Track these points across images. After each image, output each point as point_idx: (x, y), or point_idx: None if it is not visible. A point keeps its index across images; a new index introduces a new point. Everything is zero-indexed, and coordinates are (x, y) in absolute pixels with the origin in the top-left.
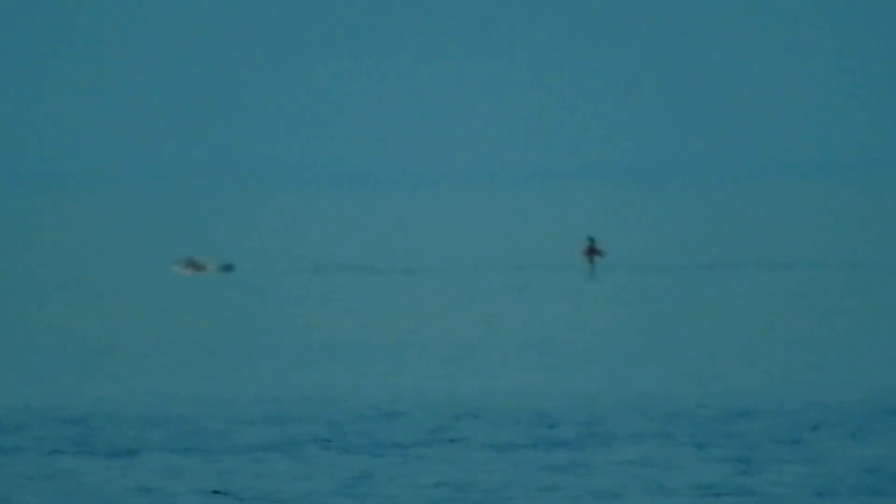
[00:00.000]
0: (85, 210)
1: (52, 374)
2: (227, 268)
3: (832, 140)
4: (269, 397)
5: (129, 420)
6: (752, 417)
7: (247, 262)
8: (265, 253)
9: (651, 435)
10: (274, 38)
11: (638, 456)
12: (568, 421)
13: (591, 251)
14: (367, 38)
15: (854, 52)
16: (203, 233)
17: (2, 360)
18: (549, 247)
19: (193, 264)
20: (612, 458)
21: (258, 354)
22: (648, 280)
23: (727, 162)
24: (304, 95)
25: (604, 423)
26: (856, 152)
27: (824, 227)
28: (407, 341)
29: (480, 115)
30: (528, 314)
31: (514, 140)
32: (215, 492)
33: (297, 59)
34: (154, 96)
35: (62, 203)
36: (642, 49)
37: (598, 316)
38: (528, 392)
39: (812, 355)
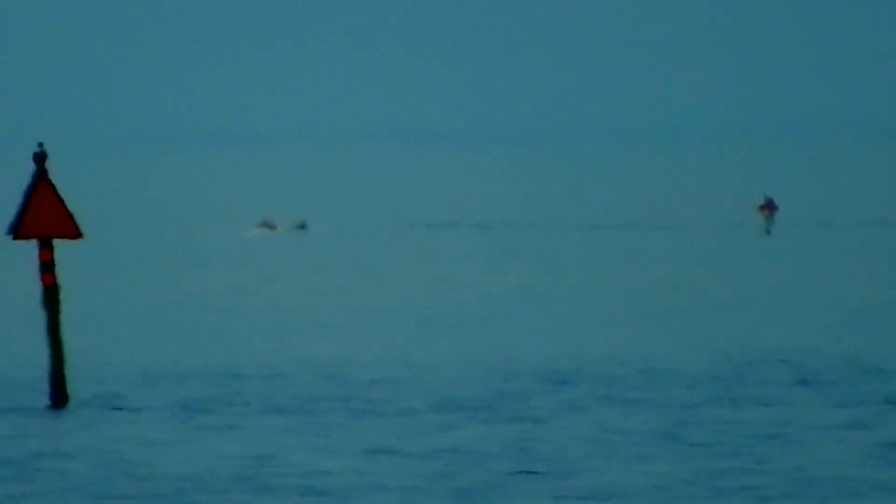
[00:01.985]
0: (156, 171)
1: (156, 336)
2: (301, 227)
3: None
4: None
5: (225, 379)
6: None
7: (320, 220)
8: (338, 211)
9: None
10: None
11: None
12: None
13: (768, 207)
14: None
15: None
16: (275, 193)
17: (102, 324)
18: (717, 204)
19: (266, 224)
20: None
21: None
22: (820, 237)
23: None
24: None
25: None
26: None
27: None
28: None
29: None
30: (706, 275)
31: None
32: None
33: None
34: (222, 55)
35: (129, 165)
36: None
37: (784, 273)
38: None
39: None
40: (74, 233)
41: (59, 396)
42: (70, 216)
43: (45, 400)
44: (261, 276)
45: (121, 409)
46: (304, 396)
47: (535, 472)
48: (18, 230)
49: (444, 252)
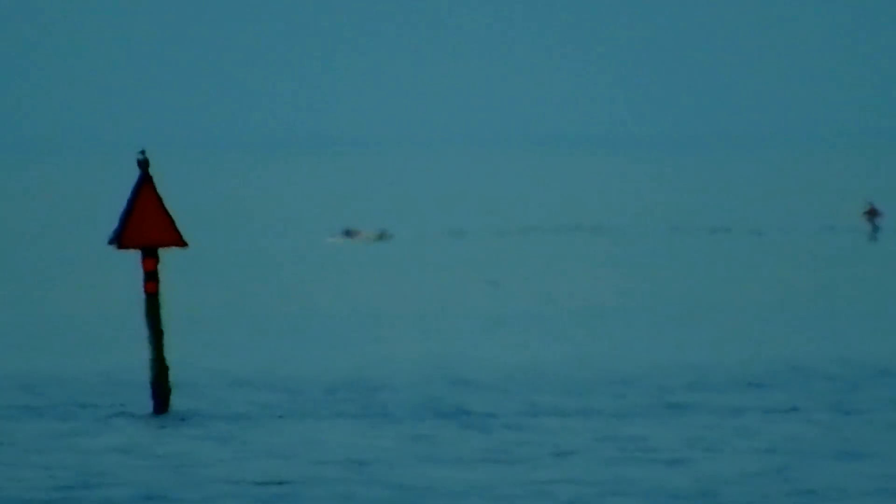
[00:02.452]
0: (238, 177)
1: (234, 342)
2: (383, 236)
3: None
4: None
5: (314, 386)
6: None
7: (402, 229)
8: (420, 219)
9: None
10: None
11: None
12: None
13: (872, 213)
14: None
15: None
16: (357, 201)
17: (193, 330)
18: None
19: (349, 233)
20: None
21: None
22: None
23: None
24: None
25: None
26: None
27: None
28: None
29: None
30: (813, 278)
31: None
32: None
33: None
34: (302, 61)
35: (217, 170)
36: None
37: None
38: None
39: None
40: (179, 241)
41: (161, 404)
42: (174, 224)
43: (147, 407)
44: (352, 283)
45: (221, 416)
46: (403, 403)
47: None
48: (122, 239)
49: (544, 257)
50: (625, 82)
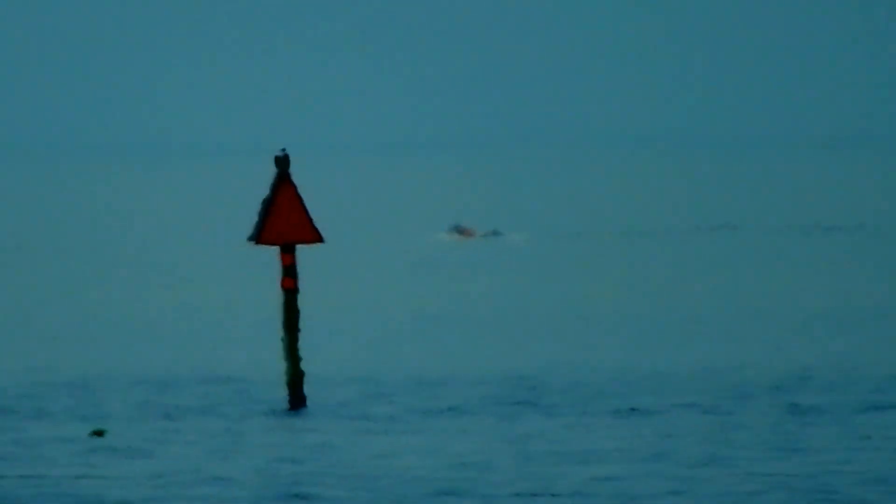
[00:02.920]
0: (346, 177)
1: (387, 341)
2: (494, 234)
3: None
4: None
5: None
6: None
7: (513, 228)
8: (531, 219)
9: None
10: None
11: None
12: None
13: None
14: None
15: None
16: (468, 199)
17: (333, 328)
18: None
19: (460, 230)
20: None
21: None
22: None
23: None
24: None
25: None
26: None
27: None
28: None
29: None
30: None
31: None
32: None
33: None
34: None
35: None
36: None
37: None
38: None
39: None
40: (316, 237)
41: (297, 400)
42: (311, 221)
43: (283, 403)
44: (495, 281)
45: (356, 414)
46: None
47: None
48: (261, 236)
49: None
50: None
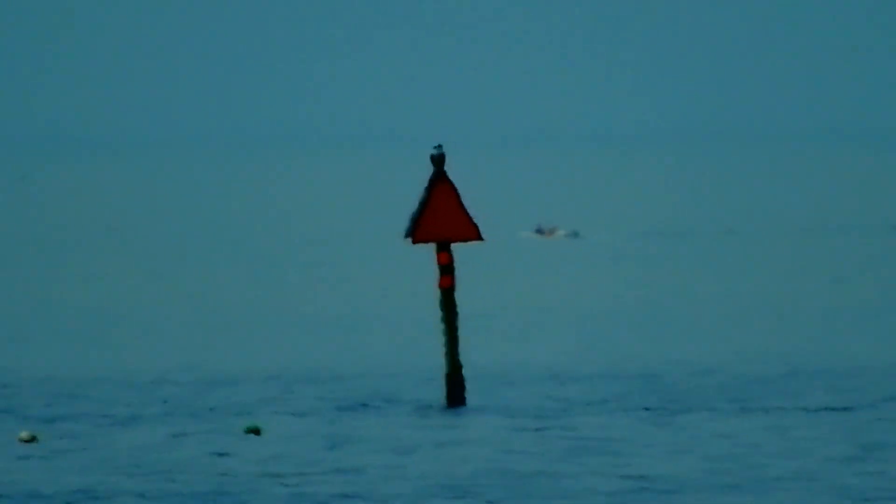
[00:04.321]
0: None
1: (541, 337)
2: (574, 234)
3: None
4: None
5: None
6: None
7: (594, 228)
8: (612, 219)
9: None
10: None
11: None
12: None
13: None
14: None
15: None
16: (550, 199)
17: (488, 326)
18: None
19: (541, 230)
20: None
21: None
22: None
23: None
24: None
25: None
26: None
27: None
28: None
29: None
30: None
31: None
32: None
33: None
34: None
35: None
36: None
37: None
38: None
39: None
40: (475, 235)
41: (455, 397)
42: (469, 218)
43: (441, 399)
44: (571, 281)
45: (512, 412)
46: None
47: None
48: (417, 233)
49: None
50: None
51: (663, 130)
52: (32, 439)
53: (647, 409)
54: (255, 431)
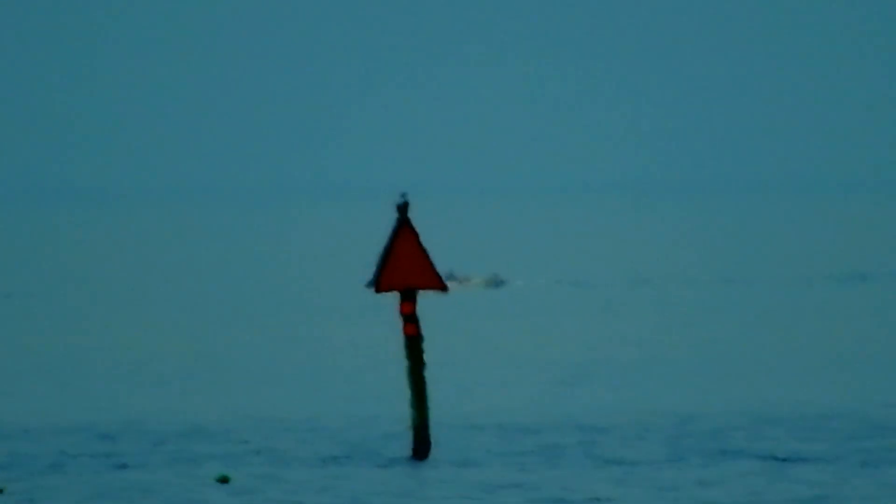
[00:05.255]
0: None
1: (509, 388)
2: (495, 282)
3: None
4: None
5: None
6: None
7: (516, 276)
8: (535, 267)
9: None
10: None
11: None
12: None
13: None
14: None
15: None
16: (469, 247)
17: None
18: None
19: (456, 278)
20: None
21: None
22: None
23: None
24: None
25: None
26: None
27: None
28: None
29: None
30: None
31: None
32: None
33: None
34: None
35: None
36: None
37: None
38: None
39: None
40: (438, 285)
41: (421, 448)
42: (433, 268)
43: (406, 451)
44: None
45: (478, 462)
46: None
47: None
48: (380, 283)
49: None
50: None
51: (612, 183)
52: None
53: (608, 460)
54: (224, 480)
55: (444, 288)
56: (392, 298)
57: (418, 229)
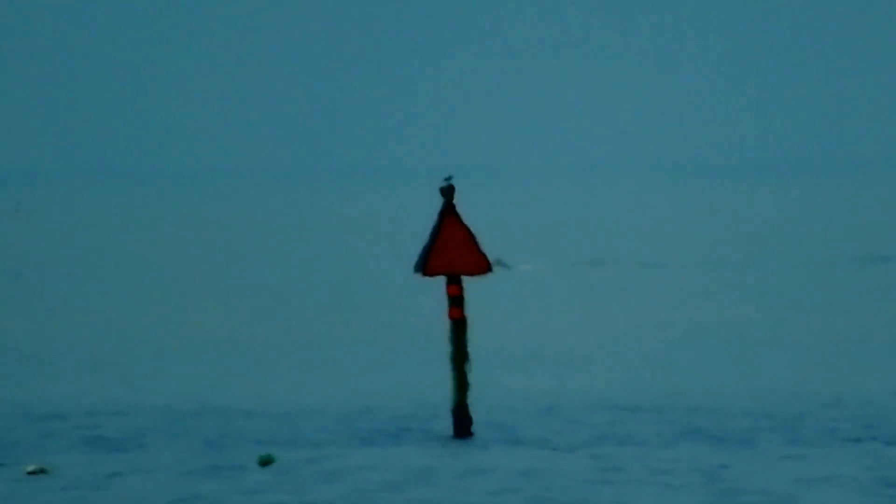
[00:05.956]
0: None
1: (549, 369)
2: (498, 264)
3: None
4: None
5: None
6: None
7: (520, 260)
8: (541, 250)
9: None
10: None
11: None
12: None
13: None
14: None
15: None
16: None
17: (504, 358)
18: None
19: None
20: None
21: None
22: None
23: None
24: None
25: None
26: None
27: None
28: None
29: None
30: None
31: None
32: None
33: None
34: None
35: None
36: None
37: None
38: None
39: None
40: (483, 268)
41: (462, 427)
42: (479, 251)
43: (448, 429)
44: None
45: (521, 441)
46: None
47: None
48: (427, 267)
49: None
50: (750, 107)
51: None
52: (42, 471)
53: (642, 442)
54: (268, 461)
55: (489, 271)
56: (438, 282)
57: (461, 211)
